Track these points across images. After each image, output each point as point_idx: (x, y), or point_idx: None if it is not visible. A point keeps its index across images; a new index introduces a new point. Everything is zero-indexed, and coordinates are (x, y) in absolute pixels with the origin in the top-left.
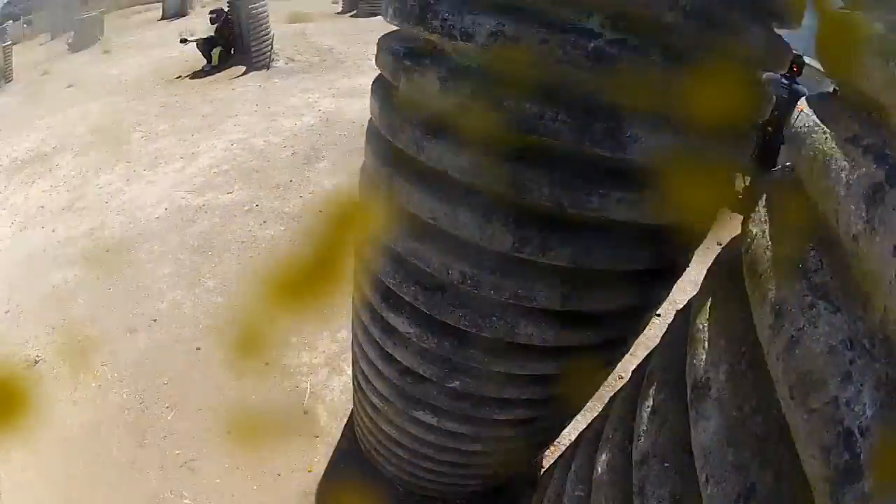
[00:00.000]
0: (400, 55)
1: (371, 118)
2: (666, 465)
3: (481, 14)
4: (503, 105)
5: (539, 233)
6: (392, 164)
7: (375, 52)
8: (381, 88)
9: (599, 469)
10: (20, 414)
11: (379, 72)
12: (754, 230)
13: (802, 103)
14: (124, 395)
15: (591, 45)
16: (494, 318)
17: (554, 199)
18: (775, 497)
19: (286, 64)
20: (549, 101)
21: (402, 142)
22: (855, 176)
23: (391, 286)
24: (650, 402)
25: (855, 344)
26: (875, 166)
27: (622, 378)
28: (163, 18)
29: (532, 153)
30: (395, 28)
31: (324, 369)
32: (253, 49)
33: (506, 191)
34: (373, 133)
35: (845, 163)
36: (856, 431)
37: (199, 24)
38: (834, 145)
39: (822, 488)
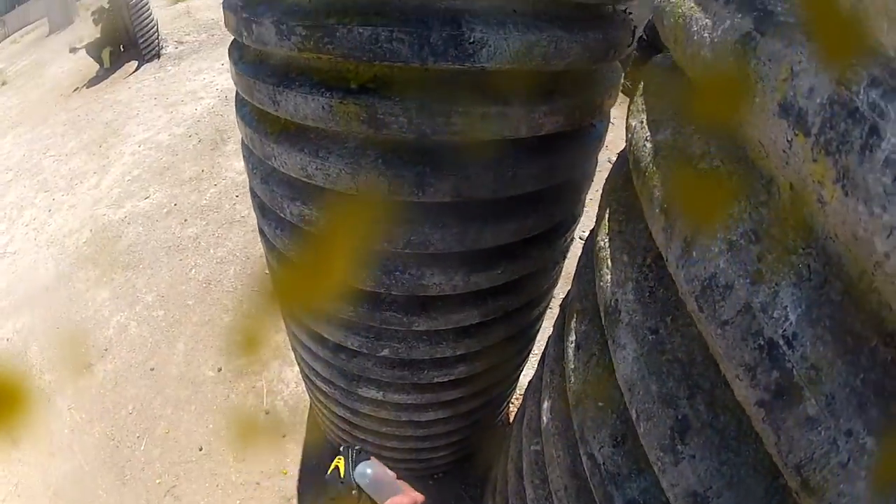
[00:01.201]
0: (237, 8)
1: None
2: (600, 404)
3: None
4: (336, 36)
5: (412, 170)
6: (257, 126)
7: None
8: (235, 51)
9: (545, 418)
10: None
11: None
12: (633, 122)
13: None
14: (96, 435)
15: None
16: (398, 273)
17: (414, 128)
18: (712, 429)
19: (176, 48)
20: (383, 19)
21: (259, 100)
22: (719, 32)
23: (296, 258)
24: (573, 337)
25: (761, 235)
26: (740, 16)
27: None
28: (51, 33)
29: (380, 83)
30: None
31: (275, 363)
32: (140, 41)
33: (364, 130)
34: (237, 100)
35: (707, 21)
36: (780, 342)
37: (87, 29)
38: (693, 4)
39: (757, 414)
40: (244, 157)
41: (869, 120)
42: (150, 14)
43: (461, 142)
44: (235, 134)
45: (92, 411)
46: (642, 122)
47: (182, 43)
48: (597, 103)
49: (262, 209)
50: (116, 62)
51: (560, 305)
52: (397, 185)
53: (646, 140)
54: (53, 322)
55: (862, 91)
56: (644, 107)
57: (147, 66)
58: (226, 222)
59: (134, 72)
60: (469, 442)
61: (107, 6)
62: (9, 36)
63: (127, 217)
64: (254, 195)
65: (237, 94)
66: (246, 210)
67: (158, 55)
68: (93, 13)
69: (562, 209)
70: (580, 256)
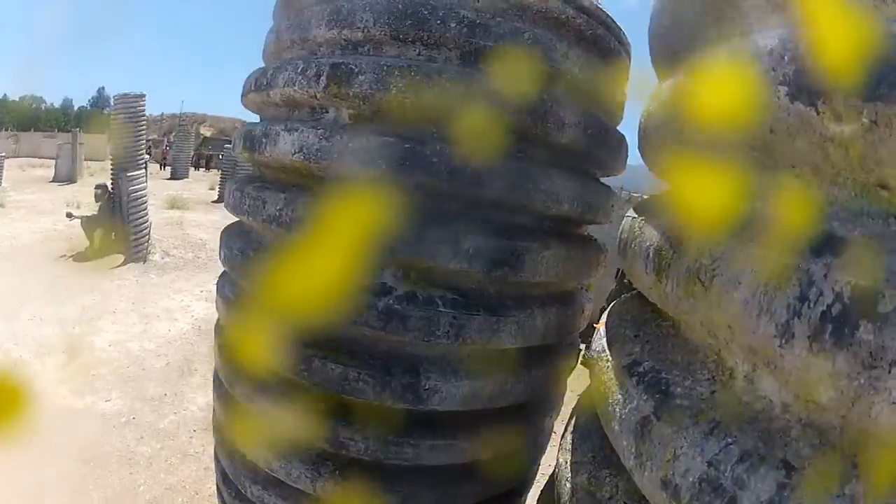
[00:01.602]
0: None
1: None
2: None
3: None
4: (312, 367)
5: (365, 483)
6: (229, 410)
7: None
8: (218, 336)
9: None
10: None
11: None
12: (561, 459)
13: (602, 321)
14: None
15: (382, 303)
16: None
17: (371, 453)
18: None
19: (162, 259)
20: (352, 360)
21: (238, 394)
22: (626, 410)
23: None
24: None
25: None
26: (646, 398)
27: None
28: (54, 181)
29: (345, 411)
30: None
31: None
32: (132, 237)
33: (327, 448)
34: (215, 381)
35: (620, 396)
36: None
37: (86, 195)
38: (612, 376)
39: None
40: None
41: (729, 492)
42: (147, 214)
43: (410, 465)
44: (202, 366)
45: None
46: (567, 462)
47: (169, 255)
48: (539, 426)
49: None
50: (106, 247)
51: None
52: (350, 495)
53: (566, 480)
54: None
55: (729, 469)
56: (570, 446)
57: (132, 265)
58: (180, 453)
59: (119, 266)
60: None
61: (110, 187)
62: (19, 157)
63: (86, 410)
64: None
65: (214, 373)
66: (201, 446)
67: (145, 259)
68: (96, 187)
69: None
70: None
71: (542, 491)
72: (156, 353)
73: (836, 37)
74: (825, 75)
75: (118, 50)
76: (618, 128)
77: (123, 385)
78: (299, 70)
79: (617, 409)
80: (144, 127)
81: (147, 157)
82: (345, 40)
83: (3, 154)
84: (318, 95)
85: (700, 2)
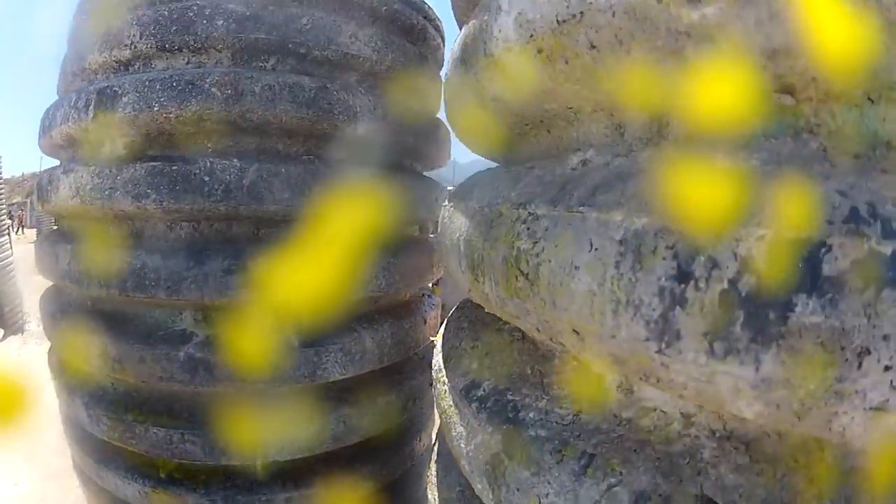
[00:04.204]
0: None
1: None
2: None
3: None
4: (136, 433)
5: None
6: (86, 485)
7: None
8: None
9: None
10: None
11: None
12: (430, 495)
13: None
14: None
15: (182, 353)
16: None
17: None
18: None
19: (38, 326)
20: (173, 420)
21: (85, 469)
22: (472, 447)
23: None
24: None
25: None
26: (491, 430)
27: None
28: None
29: (186, 473)
30: None
31: None
32: (6, 308)
33: None
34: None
35: (462, 428)
36: None
37: None
38: (451, 402)
39: None
40: None
41: None
42: (16, 282)
43: None
44: None
45: None
46: (434, 499)
47: None
48: (407, 453)
49: None
50: None
51: None
52: None
53: None
54: None
55: None
56: (436, 479)
57: (11, 337)
58: None
59: (0, 341)
60: None
61: None
62: None
63: None
64: None
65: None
66: None
67: (22, 330)
68: None
69: None
70: None
71: None
72: (48, 425)
73: None
74: None
75: None
76: (436, 115)
77: (28, 464)
78: (72, 103)
79: (462, 445)
80: (3, 189)
81: (9, 221)
82: (116, 62)
83: None
84: (90, 128)
85: None
